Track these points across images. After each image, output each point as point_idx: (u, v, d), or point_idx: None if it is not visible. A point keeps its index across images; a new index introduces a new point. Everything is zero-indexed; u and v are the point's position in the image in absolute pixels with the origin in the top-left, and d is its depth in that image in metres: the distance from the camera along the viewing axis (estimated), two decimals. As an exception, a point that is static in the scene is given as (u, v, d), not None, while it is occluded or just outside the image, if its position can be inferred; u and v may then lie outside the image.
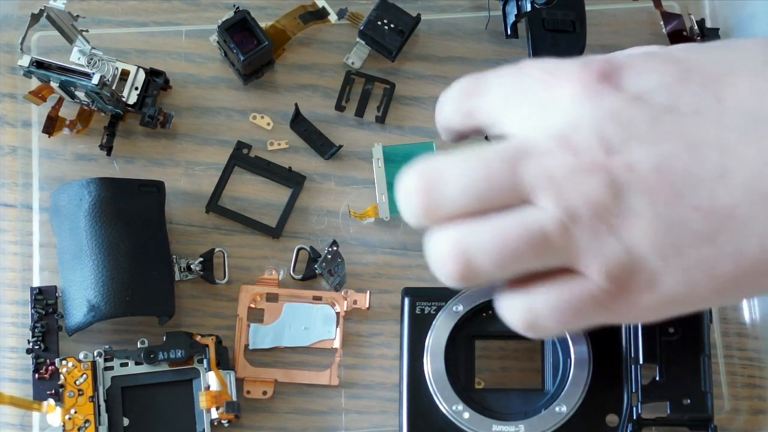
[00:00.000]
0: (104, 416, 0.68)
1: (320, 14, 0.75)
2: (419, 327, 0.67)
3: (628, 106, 0.50)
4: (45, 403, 0.67)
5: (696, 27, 0.76)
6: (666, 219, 0.49)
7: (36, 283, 0.72)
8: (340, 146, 0.74)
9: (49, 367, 0.68)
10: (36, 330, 0.69)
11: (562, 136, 0.50)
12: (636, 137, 0.50)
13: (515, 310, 0.53)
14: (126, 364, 0.69)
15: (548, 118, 0.51)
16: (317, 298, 0.73)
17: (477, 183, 0.51)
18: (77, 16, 0.69)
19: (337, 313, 0.72)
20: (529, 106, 0.52)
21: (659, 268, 0.50)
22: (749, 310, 0.74)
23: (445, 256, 0.52)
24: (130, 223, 0.69)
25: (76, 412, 0.68)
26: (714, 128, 0.49)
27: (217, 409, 0.68)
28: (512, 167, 0.50)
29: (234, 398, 0.68)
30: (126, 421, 0.69)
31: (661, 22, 0.77)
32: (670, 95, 0.50)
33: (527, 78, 0.53)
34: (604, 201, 0.49)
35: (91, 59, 0.69)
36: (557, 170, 0.50)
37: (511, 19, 0.73)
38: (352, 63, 0.76)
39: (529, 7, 0.71)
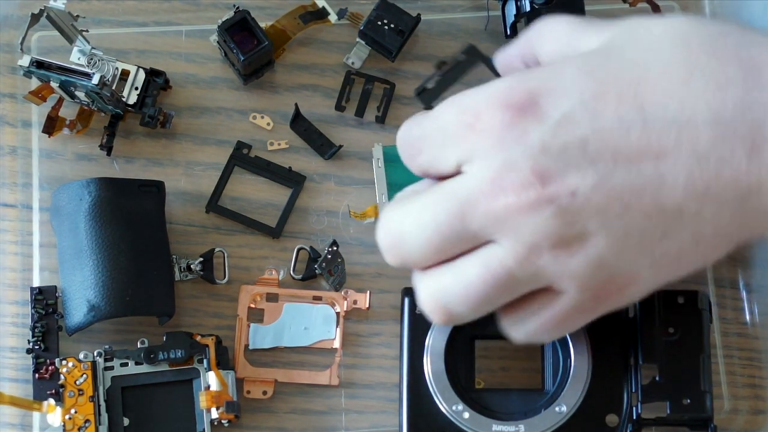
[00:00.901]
0: (104, 416, 0.68)
1: (320, 14, 0.75)
2: (419, 327, 0.67)
3: (554, 134, 0.51)
4: (45, 403, 0.67)
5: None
6: (621, 230, 0.51)
7: (36, 283, 0.72)
8: (340, 146, 0.74)
9: (49, 367, 0.68)
10: (36, 330, 0.69)
11: (499, 178, 0.51)
12: (570, 163, 0.50)
13: (515, 334, 0.57)
14: (126, 364, 0.69)
15: (481, 162, 0.52)
16: (317, 298, 0.73)
17: (432, 240, 0.54)
18: (77, 16, 0.69)
19: (337, 313, 0.72)
20: (460, 155, 0.53)
21: (629, 271, 0.52)
22: (749, 310, 0.74)
23: (427, 309, 0.57)
24: (130, 223, 0.69)
25: (76, 412, 0.68)
26: (641, 139, 0.50)
27: (217, 409, 0.68)
28: (460, 218, 0.52)
29: (234, 398, 0.68)
30: (126, 421, 0.69)
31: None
32: (592, 114, 0.51)
33: (448, 126, 0.54)
34: (557, 231, 0.51)
35: (91, 59, 0.69)
36: (503, 212, 0.51)
37: (511, 19, 0.73)
38: (352, 63, 0.76)
39: (528, 8, 0.71)
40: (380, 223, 0.57)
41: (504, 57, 0.63)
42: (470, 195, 0.52)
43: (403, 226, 0.55)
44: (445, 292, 0.55)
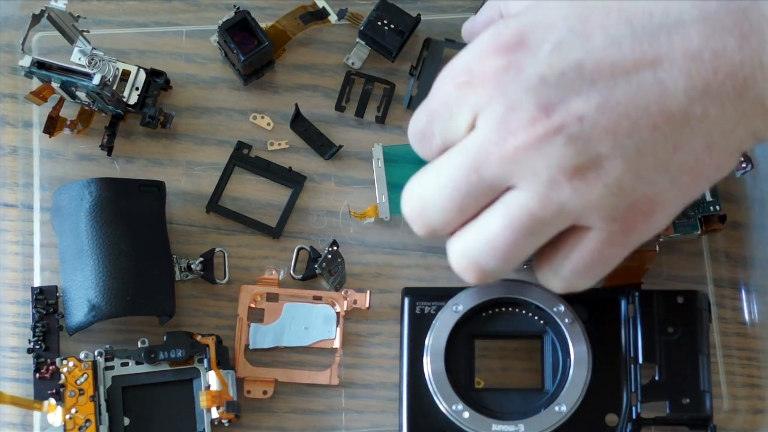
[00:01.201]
0: (105, 416, 0.68)
1: (320, 14, 0.75)
2: (419, 327, 0.67)
3: (549, 64, 0.51)
4: (46, 402, 0.67)
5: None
6: (633, 148, 0.51)
7: (37, 283, 0.72)
8: (340, 146, 0.75)
9: (50, 367, 0.68)
10: (37, 330, 0.69)
11: (504, 121, 0.51)
12: (571, 89, 0.50)
13: (551, 283, 0.57)
14: (126, 364, 0.69)
15: (486, 112, 0.52)
16: (317, 298, 0.73)
17: (452, 199, 0.54)
18: (78, 16, 0.69)
19: (337, 313, 0.72)
20: (467, 117, 0.53)
21: (650, 192, 0.52)
22: (749, 310, 0.74)
23: (460, 269, 0.56)
24: (131, 223, 0.69)
25: (76, 412, 0.68)
26: (634, 49, 0.50)
27: (218, 408, 0.68)
28: (475, 170, 0.52)
29: (234, 398, 0.69)
30: (126, 421, 0.69)
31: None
32: (582, 37, 0.51)
33: (448, 96, 0.54)
34: (571, 160, 0.51)
35: (92, 60, 0.69)
36: (515, 154, 0.51)
37: None
38: (352, 63, 0.76)
39: None
40: (403, 195, 0.57)
41: (472, 26, 0.63)
42: (481, 146, 0.52)
43: (423, 192, 0.55)
44: (474, 249, 0.54)
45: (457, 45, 0.74)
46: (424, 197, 0.55)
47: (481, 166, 0.52)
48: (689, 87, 0.50)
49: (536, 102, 0.50)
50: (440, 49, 0.75)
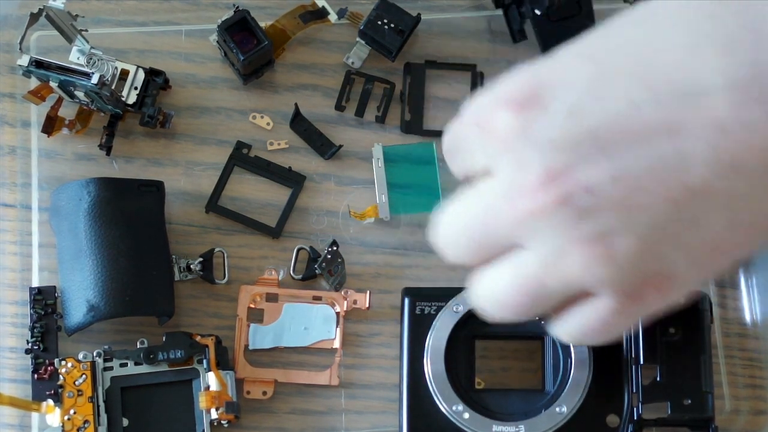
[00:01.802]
0: (103, 416, 0.68)
1: (320, 14, 0.75)
2: (419, 327, 0.67)
3: (561, 127, 0.48)
4: (44, 403, 0.67)
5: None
6: (647, 223, 0.48)
7: (35, 283, 0.72)
8: (340, 146, 0.74)
9: (49, 368, 0.68)
10: (35, 330, 0.69)
11: (514, 181, 0.49)
12: (582, 157, 0.48)
13: (562, 336, 0.54)
14: (125, 365, 0.69)
15: (498, 166, 0.50)
16: (317, 298, 0.72)
17: (467, 245, 0.52)
18: (76, 15, 0.69)
19: (337, 313, 0.72)
20: (483, 159, 0.51)
21: (664, 268, 0.49)
22: (750, 310, 0.74)
23: (475, 305, 0.54)
24: (130, 223, 0.69)
25: (75, 413, 0.67)
26: (654, 116, 0.47)
27: (217, 409, 0.68)
28: (486, 225, 0.51)
29: (234, 398, 0.68)
30: (125, 422, 0.69)
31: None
32: (599, 99, 0.48)
33: (468, 131, 0.52)
34: (579, 232, 0.48)
35: (91, 59, 0.69)
36: (524, 217, 0.49)
37: (517, 26, 0.73)
38: (352, 63, 0.75)
39: (531, 14, 0.71)
40: (434, 225, 0.55)
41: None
42: (492, 200, 0.50)
43: (443, 228, 0.54)
44: (484, 297, 0.53)
45: (438, 66, 0.74)
46: (444, 233, 0.54)
47: (490, 221, 0.50)
48: (713, 160, 0.47)
49: (545, 166, 0.48)
50: (422, 71, 0.75)
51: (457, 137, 0.53)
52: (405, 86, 0.75)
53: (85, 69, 0.69)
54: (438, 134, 0.74)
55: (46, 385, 0.68)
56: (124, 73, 0.72)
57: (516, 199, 0.49)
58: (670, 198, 0.47)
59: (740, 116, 0.46)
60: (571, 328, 0.53)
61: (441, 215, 0.54)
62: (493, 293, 0.52)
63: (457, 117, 0.53)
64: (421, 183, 0.74)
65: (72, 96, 0.72)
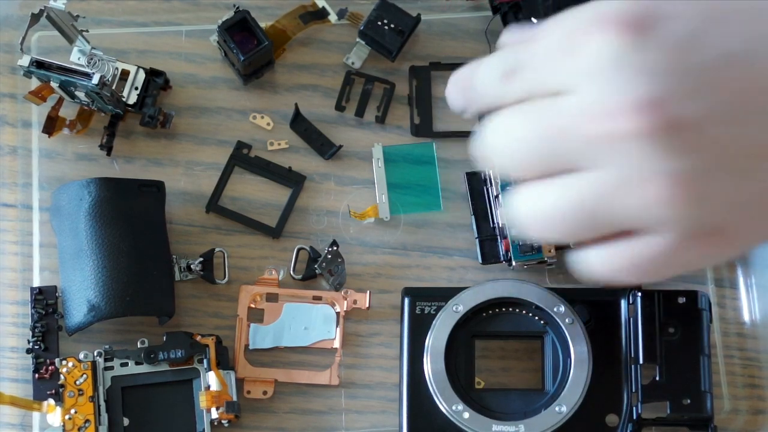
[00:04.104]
0: (104, 416, 0.68)
1: (320, 14, 0.75)
2: (419, 327, 0.67)
3: (672, 55, 0.45)
4: (45, 403, 0.67)
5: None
6: (743, 175, 0.45)
7: (36, 283, 0.72)
8: (340, 146, 0.74)
9: (49, 367, 0.68)
10: (36, 330, 0.69)
11: (599, 101, 0.46)
12: (690, 91, 0.45)
13: (596, 267, 0.51)
14: (126, 364, 0.69)
15: (591, 83, 0.46)
16: (317, 298, 0.73)
17: (524, 156, 0.49)
18: (77, 16, 0.69)
19: (337, 313, 0.72)
20: (565, 79, 0.48)
21: (735, 221, 0.47)
22: (749, 310, 0.74)
23: (524, 219, 0.51)
24: (130, 223, 0.69)
25: (76, 412, 0.68)
26: None
27: (217, 409, 0.68)
28: (550, 139, 0.48)
29: (234, 398, 0.68)
30: (126, 421, 0.69)
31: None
32: (714, 36, 0.45)
33: (551, 50, 0.48)
34: (666, 167, 0.45)
35: (91, 59, 0.69)
36: (606, 138, 0.46)
37: None
38: (352, 63, 0.76)
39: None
40: (480, 135, 0.51)
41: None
42: (568, 117, 0.47)
43: (495, 137, 0.50)
44: (528, 210, 0.50)
45: (442, 67, 0.74)
46: (494, 142, 0.50)
47: (560, 135, 0.47)
48: None
49: (646, 91, 0.45)
50: (427, 73, 0.75)
51: (528, 55, 0.49)
52: (411, 89, 0.75)
53: (86, 69, 0.69)
54: (449, 135, 0.74)
55: (47, 384, 0.68)
56: (125, 74, 0.72)
57: (601, 118, 0.45)
58: None
59: None
60: (612, 259, 0.49)
61: (490, 124, 0.50)
62: (541, 209, 0.49)
63: (535, 34, 0.49)
64: (421, 183, 0.74)
65: (73, 96, 0.72)
